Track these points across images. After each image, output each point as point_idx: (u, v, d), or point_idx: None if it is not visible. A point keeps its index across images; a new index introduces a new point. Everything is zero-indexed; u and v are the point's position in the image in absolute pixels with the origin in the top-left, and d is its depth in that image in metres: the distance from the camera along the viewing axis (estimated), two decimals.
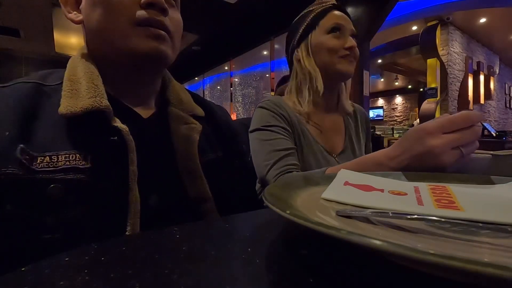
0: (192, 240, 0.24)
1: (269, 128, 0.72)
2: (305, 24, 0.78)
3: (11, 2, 4.07)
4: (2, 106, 0.41)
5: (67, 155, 0.40)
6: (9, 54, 5.97)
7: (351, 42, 0.73)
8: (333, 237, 0.15)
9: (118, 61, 0.48)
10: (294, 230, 0.26)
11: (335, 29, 0.74)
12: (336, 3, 0.79)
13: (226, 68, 6.28)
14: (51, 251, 0.21)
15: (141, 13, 0.44)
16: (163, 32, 0.46)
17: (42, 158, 0.39)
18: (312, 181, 0.34)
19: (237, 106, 6.01)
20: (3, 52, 5.85)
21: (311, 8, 0.80)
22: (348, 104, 0.84)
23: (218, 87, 6.75)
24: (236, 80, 6.08)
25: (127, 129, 0.43)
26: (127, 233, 0.41)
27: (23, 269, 0.19)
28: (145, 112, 0.52)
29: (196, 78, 7.27)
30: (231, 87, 6.19)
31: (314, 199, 0.29)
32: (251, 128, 0.76)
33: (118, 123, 0.43)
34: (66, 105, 0.41)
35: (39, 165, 0.38)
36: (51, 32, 4.62)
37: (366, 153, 0.86)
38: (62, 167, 0.39)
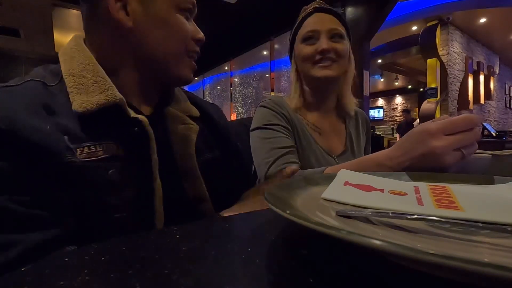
0: (192, 240, 0.24)
1: (270, 126, 0.72)
2: (291, 36, 0.82)
3: (11, 2, 4.06)
4: (25, 102, 0.39)
5: (101, 145, 0.41)
6: (9, 54, 5.96)
7: (323, 44, 0.72)
8: (333, 237, 0.15)
9: (152, 74, 0.49)
10: (294, 230, 0.26)
11: (308, 38, 0.75)
12: (318, 5, 0.77)
13: (226, 68, 6.28)
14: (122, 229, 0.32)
15: (195, 46, 0.49)
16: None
17: (82, 149, 0.40)
18: (312, 181, 0.34)
19: (237, 106, 6.00)
20: (3, 52, 5.84)
21: (297, 18, 0.80)
22: (350, 107, 0.82)
23: (218, 87, 6.75)
24: (236, 80, 6.08)
25: (146, 120, 0.44)
26: (155, 220, 0.43)
27: (23, 269, 0.19)
28: (144, 111, 0.51)
29: (196, 78, 7.27)
30: (231, 87, 6.19)
31: (314, 199, 0.29)
32: (252, 127, 0.76)
33: (134, 114, 0.44)
34: (80, 102, 0.41)
35: (79, 156, 0.39)
36: (51, 32, 4.62)
37: (365, 155, 0.86)
38: (102, 156, 0.41)
